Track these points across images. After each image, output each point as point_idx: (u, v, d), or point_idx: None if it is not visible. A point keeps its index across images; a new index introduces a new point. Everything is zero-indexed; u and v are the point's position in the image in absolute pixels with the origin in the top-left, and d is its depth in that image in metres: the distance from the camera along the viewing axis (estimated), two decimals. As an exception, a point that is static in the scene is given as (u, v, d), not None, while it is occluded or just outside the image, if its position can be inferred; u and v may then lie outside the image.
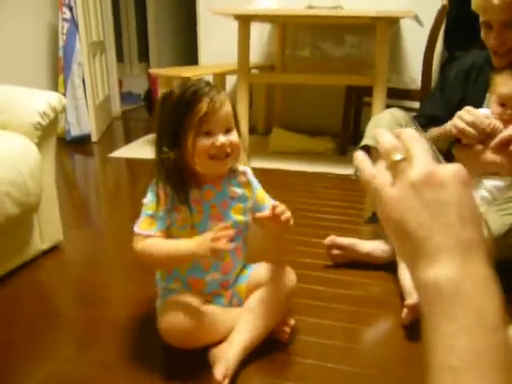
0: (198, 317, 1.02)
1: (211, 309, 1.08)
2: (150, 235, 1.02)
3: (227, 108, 1.02)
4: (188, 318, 1.01)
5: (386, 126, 1.47)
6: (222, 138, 1.00)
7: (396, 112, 1.52)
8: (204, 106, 0.97)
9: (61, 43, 3.18)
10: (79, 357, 1.12)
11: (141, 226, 1.03)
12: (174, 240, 1.03)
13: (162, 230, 1.03)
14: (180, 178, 1.02)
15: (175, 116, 0.99)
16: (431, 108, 1.71)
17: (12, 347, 1.15)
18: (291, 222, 1.09)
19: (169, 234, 1.06)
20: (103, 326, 1.23)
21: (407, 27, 3.30)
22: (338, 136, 3.14)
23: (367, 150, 1.54)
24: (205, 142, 0.99)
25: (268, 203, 1.14)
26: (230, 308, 1.13)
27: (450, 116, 1.47)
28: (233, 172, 1.12)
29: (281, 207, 1.06)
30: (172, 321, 1.02)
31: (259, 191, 1.16)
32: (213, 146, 1.00)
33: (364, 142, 1.52)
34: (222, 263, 1.10)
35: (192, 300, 1.05)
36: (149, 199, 1.04)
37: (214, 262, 1.09)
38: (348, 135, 3.06)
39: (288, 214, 1.08)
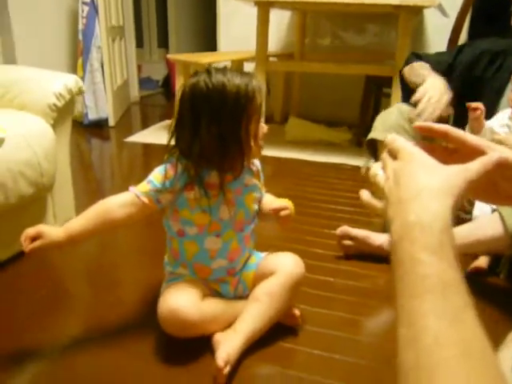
0: (196, 311, 1.01)
1: (212, 303, 1.08)
2: (137, 195, 1.03)
3: None
4: (185, 311, 1.00)
5: (394, 121, 1.46)
6: (265, 125, 1.06)
7: (403, 107, 1.50)
8: (259, 94, 1.01)
9: (80, 26, 3.19)
10: (86, 336, 1.13)
11: (137, 187, 1.05)
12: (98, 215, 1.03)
13: (149, 198, 1.03)
14: (209, 161, 1.02)
15: (238, 106, 0.98)
16: (439, 55, 1.68)
17: (21, 324, 1.17)
18: (290, 217, 1.13)
19: (181, 215, 1.06)
20: (112, 308, 1.24)
21: (431, 18, 3.23)
22: (356, 127, 3.11)
23: (374, 143, 1.52)
24: (262, 128, 1.05)
25: (264, 191, 1.19)
26: (233, 301, 1.13)
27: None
28: None
29: (281, 203, 1.12)
30: (169, 311, 1.01)
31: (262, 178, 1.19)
32: (263, 133, 1.06)
33: (371, 135, 1.51)
34: (229, 250, 1.10)
35: (193, 292, 1.05)
36: (158, 170, 1.05)
37: (220, 250, 1.09)
38: (366, 126, 3.02)
39: (288, 211, 1.12)
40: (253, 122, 1.01)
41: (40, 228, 0.98)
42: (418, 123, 0.56)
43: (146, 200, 1.03)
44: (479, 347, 0.37)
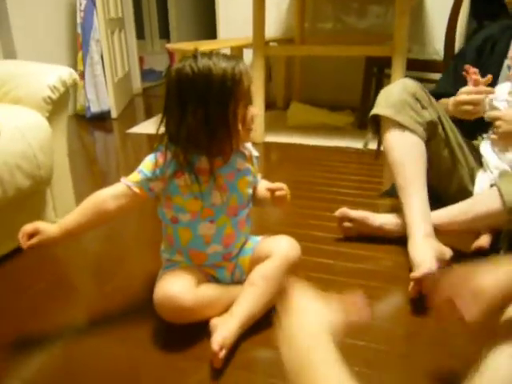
0: (191, 296, 1.02)
1: (208, 288, 1.08)
2: (128, 186, 1.04)
3: None
4: (180, 296, 1.00)
5: (397, 96, 1.42)
6: (255, 109, 1.04)
7: (408, 82, 1.46)
8: (247, 78, 1.00)
9: (79, 20, 3.18)
10: (85, 326, 1.14)
11: (128, 177, 1.06)
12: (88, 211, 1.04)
13: (140, 188, 1.04)
14: (196, 146, 1.01)
15: (224, 91, 0.97)
16: (443, 85, 1.67)
17: (21, 317, 1.18)
18: (285, 198, 1.12)
19: (174, 202, 1.06)
20: (110, 298, 1.25)
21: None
22: (358, 110, 3.07)
23: (377, 119, 1.49)
24: (250, 112, 1.02)
25: (259, 176, 1.19)
26: (230, 286, 1.13)
27: None
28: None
29: (277, 184, 1.12)
30: (164, 297, 1.01)
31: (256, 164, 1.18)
32: (252, 117, 1.03)
33: (374, 111, 1.47)
34: (224, 235, 1.09)
35: (188, 278, 1.05)
36: (148, 159, 1.05)
37: (214, 235, 1.09)
38: (368, 109, 2.98)
39: (283, 192, 1.11)
40: (240, 105, 1.00)
41: (37, 225, 1.01)
42: None
43: (137, 190, 1.04)
44: None
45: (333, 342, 0.63)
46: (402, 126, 1.41)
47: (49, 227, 1.02)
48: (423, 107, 1.44)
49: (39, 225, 1.01)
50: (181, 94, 0.98)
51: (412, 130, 1.40)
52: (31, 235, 1.00)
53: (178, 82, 0.98)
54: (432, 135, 1.46)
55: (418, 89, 1.45)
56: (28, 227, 1.00)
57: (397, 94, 1.43)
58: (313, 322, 0.66)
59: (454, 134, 1.52)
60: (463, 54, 1.67)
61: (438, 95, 1.53)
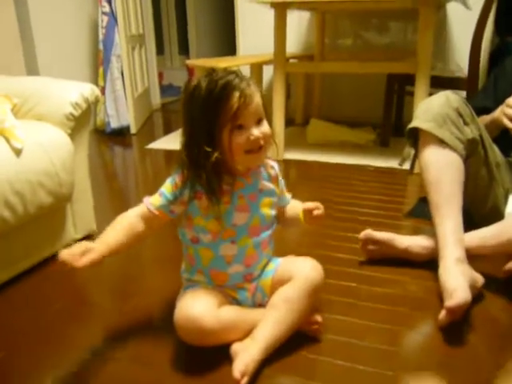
0: (212, 318, 0.98)
1: (229, 310, 1.04)
2: (149, 208, 1.03)
3: (257, 99, 0.98)
4: (201, 317, 0.97)
5: (438, 109, 1.37)
6: (255, 132, 0.97)
7: (451, 95, 1.40)
8: (235, 100, 0.94)
9: (100, 36, 3.22)
10: (103, 347, 1.11)
11: (150, 198, 1.05)
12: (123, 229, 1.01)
13: (160, 211, 1.03)
14: (215, 172, 0.98)
15: (208, 112, 0.95)
16: (482, 99, 1.61)
17: (40, 334, 1.16)
18: (322, 216, 1.11)
19: (195, 223, 1.04)
20: (135, 319, 1.22)
21: (454, 12, 3.14)
22: (380, 127, 3.04)
23: (416, 132, 1.44)
24: (240, 138, 0.96)
25: (287, 195, 1.18)
26: (251, 309, 1.10)
27: None
28: (263, 165, 1.10)
29: (314, 203, 1.11)
30: (185, 318, 0.98)
31: (282, 183, 1.16)
32: (248, 141, 0.97)
33: (414, 124, 1.42)
34: (245, 256, 1.07)
35: (210, 299, 1.02)
36: (169, 181, 1.04)
37: (236, 256, 1.06)
38: (390, 126, 2.95)
39: (320, 210, 1.11)
40: (225, 129, 0.96)
41: (87, 244, 0.95)
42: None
43: (157, 213, 1.03)
44: None
45: None
46: (441, 142, 1.35)
47: (98, 246, 0.95)
48: (465, 123, 1.38)
49: (88, 244, 0.94)
50: (184, 113, 1.00)
51: (452, 147, 1.35)
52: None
53: (183, 99, 1.00)
54: (471, 153, 1.40)
55: (461, 103, 1.39)
56: (78, 247, 0.93)
57: (438, 107, 1.37)
58: None
59: (494, 153, 1.47)
60: (503, 68, 1.62)
61: (477, 110, 1.48)
